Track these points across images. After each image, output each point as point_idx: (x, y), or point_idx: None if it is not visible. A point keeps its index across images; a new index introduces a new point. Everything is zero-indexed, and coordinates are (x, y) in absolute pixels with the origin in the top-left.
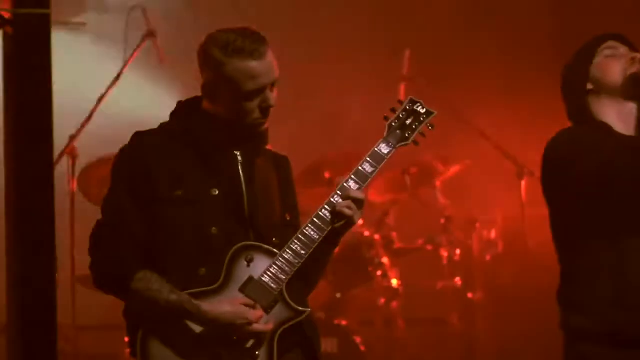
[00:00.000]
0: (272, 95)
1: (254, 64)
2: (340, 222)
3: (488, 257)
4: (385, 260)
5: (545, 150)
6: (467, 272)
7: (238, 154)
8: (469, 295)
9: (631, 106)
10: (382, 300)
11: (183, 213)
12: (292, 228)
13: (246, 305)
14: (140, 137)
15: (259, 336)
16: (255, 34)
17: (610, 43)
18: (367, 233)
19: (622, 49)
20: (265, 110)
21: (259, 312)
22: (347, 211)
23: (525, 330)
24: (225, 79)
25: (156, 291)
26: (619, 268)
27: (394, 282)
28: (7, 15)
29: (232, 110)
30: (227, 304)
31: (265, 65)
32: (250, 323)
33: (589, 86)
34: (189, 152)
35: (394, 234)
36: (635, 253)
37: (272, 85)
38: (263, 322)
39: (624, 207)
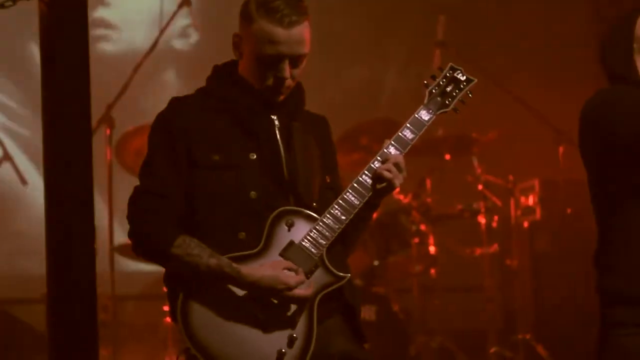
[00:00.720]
0: (291, 69)
1: (278, 30)
2: (381, 184)
3: (526, 224)
4: (422, 227)
5: (583, 110)
6: (504, 238)
7: (275, 118)
8: (507, 262)
9: None
10: (420, 268)
11: (221, 178)
12: (332, 191)
13: (288, 269)
14: (177, 102)
15: (299, 301)
16: (299, 3)
17: None
18: (404, 200)
19: None
20: (278, 80)
21: (300, 277)
22: (387, 174)
23: (563, 296)
24: (250, 35)
25: (196, 256)
26: None
27: (432, 249)
28: None
29: (248, 69)
30: (268, 268)
31: (291, 36)
32: (290, 288)
33: (634, 45)
34: (226, 116)
35: (431, 201)
36: None
37: (296, 58)
38: (304, 287)
39: None
